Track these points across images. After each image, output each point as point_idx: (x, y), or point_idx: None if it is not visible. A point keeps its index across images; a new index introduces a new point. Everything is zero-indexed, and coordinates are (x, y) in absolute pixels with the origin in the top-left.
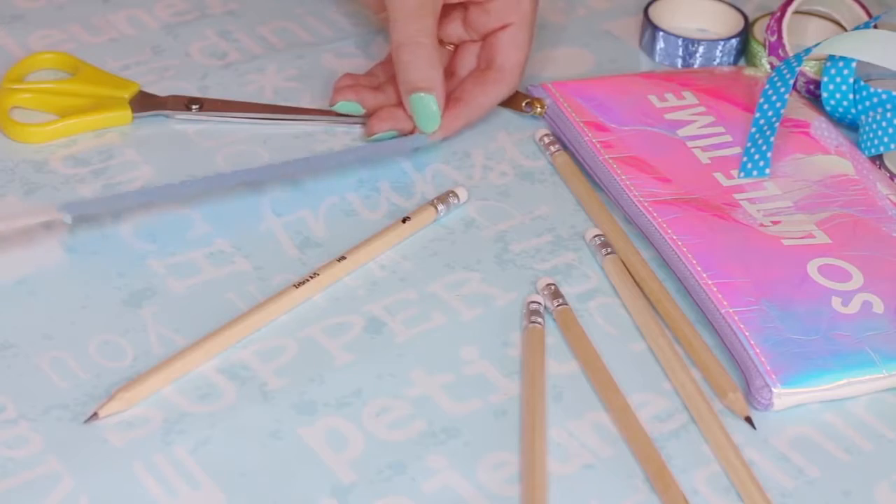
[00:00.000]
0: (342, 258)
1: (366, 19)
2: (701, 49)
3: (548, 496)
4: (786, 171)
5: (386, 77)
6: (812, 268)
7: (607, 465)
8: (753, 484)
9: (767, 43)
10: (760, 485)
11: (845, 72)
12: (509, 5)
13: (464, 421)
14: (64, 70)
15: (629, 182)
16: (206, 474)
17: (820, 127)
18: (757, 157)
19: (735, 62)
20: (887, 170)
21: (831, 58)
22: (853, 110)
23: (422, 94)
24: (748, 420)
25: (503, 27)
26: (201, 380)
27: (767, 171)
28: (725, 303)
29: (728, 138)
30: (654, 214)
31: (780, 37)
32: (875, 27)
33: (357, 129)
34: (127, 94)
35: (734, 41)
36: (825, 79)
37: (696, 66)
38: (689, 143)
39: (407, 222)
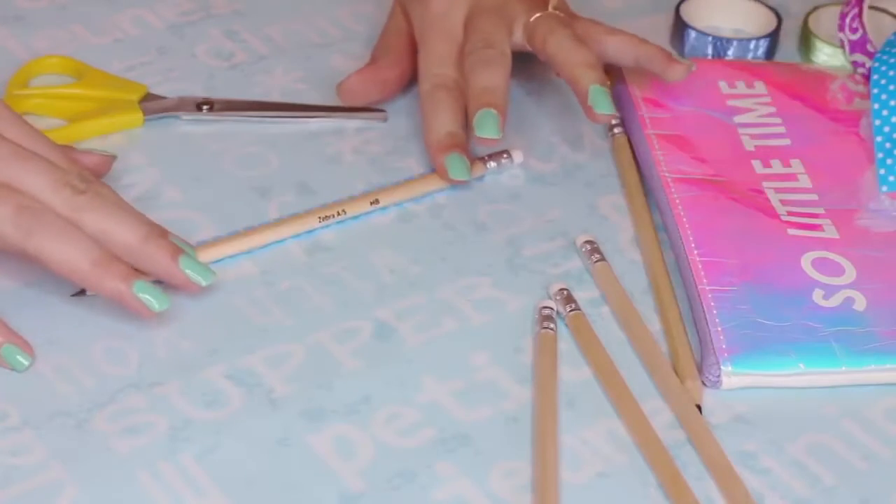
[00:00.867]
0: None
1: (374, 20)
2: (731, 48)
3: None
4: (827, 170)
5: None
6: (806, 259)
7: (621, 473)
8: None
9: (847, 41)
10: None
11: None
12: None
13: (475, 428)
14: (68, 74)
15: (662, 156)
16: (212, 482)
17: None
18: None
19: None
20: None
21: None
22: None
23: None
24: (697, 407)
25: None
26: (207, 386)
27: None
28: (705, 280)
29: (781, 130)
30: (672, 190)
31: (865, 33)
32: None
33: (355, 126)
34: (135, 97)
35: (764, 41)
36: None
37: None
38: (741, 130)
39: None
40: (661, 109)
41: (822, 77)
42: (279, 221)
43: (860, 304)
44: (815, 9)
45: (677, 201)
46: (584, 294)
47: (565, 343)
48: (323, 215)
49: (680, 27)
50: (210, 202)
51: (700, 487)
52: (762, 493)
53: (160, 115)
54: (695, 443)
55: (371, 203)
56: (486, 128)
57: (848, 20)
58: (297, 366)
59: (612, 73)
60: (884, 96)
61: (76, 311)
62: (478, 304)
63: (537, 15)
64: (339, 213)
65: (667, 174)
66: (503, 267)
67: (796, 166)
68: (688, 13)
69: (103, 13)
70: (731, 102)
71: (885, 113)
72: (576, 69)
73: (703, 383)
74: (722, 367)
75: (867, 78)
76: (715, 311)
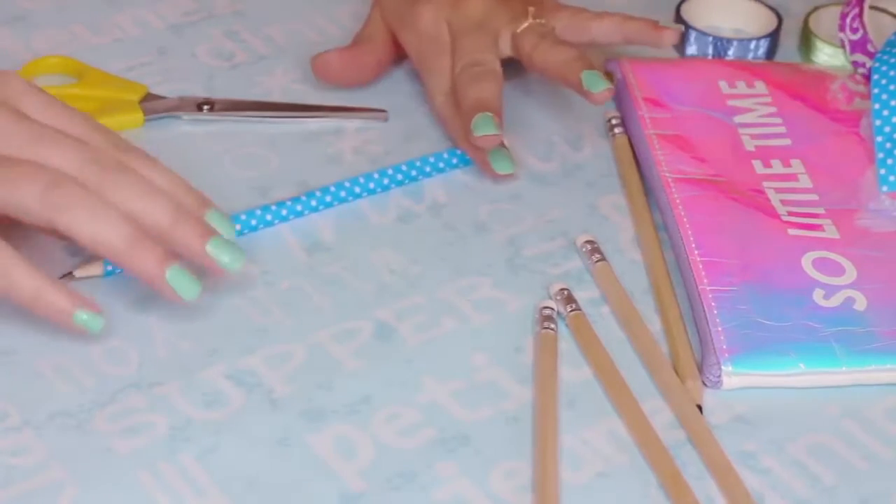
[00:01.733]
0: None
1: None
2: (731, 48)
3: None
4: (828, 170)
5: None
6: (806, 259)
7: (621, 472)
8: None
9: (848, 41)
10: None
11: None
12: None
13: (475, 428)
14: (68, 74)
15: (662, 156)
16: (212, 482)
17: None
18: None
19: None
20: None
21: None
22: None
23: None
24: (698, 408)
25: None
26: (207, 386)
27: None
28: (706, 280)
29: (782, 130)
30: (673, 189)
31: (865, 32)
32: None
33: (355, 126)
34: (135, 97)
35: (764, 41)
36: None
37: None
38: (741, 130)
39: None
40: (662, 109)
41: (823, 77)
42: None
43: (861, 304)
44: (816, 9)
45: (677, 201)
46: (585, 294)
47: (566, 343)
48: None
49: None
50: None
51: (700, 487)
52: (762, 493)
53: (160, 115)
54: (695, 443)
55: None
56: (484, 126)
57: (848, 20)
58: (297, 366)
59: (610, 76)
60: (884, 96)
61: None
62: (478, 304)
63: (521, 28)
64: None
65: (667, 174)
66: (503, 267)
67: (797, 166)
68: (688, 13)
69: (103, 13)
70: (731, 102)
71: (885, 113)
72: (563, 68)
73: (704, 383)
74: (722, 367)
75: (868, 78)
76: (715, 311)
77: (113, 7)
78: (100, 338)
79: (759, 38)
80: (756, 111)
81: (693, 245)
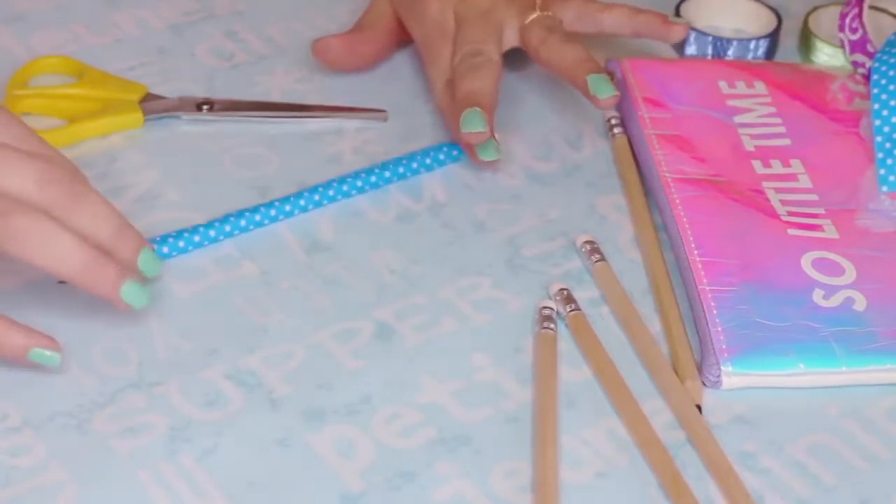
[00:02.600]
0: None
1: None
2: (731, 48)
3: None
4: (827, 170)
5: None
6: (806, 259)
7: (621, 473)
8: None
9: (847, 41)
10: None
11: None
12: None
13: (475, 428)
14: (68, 74)
15: (662, 156)
16: (212, 483)
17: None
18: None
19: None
20: None
21: None
22: None
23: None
24: (697, 408)
25: None
26: (207, 386)
27: None
28: (705, 280)
29: (782, 130)
30: (673, 190)
31: (865, 32)
32: None
33: (355, 126)
34: (135, 97)
35: (764, 41)
36: None
37: None
38: (741, 130)
39: None
40: (662, 109)
41: (823, 77)
42: None
43: (860, 304)
44: (815, 9)
45: (677, 201)
46: (585, 294)
47: (565, 343)
48: None
49: None
50: (210, 202)
51: (700, 487)
52: (762, 493)
53: (160, 115)
54: (695, 443)
55: None
56: (471, 123)
57: (848, 20)
58: (297, 366)
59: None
60: (884, 96)
61: (76, 311)
62: (478, 304)
63: (529, 19)
64: None
65: (667, 174)
66: (503, 267)
67: (796, 166)
68: (688, 13)
69: (103, 13)
70: (731, 102)
71: (885, 113)
72: (571, 68)
73: (703, 383)
74: (722, 367)
75: (867, 78)
76: (715, 311)
77: (113, 7)
78: (100, 338)
79: (758, 38)
80: (756, 111)
81: (693, 245)
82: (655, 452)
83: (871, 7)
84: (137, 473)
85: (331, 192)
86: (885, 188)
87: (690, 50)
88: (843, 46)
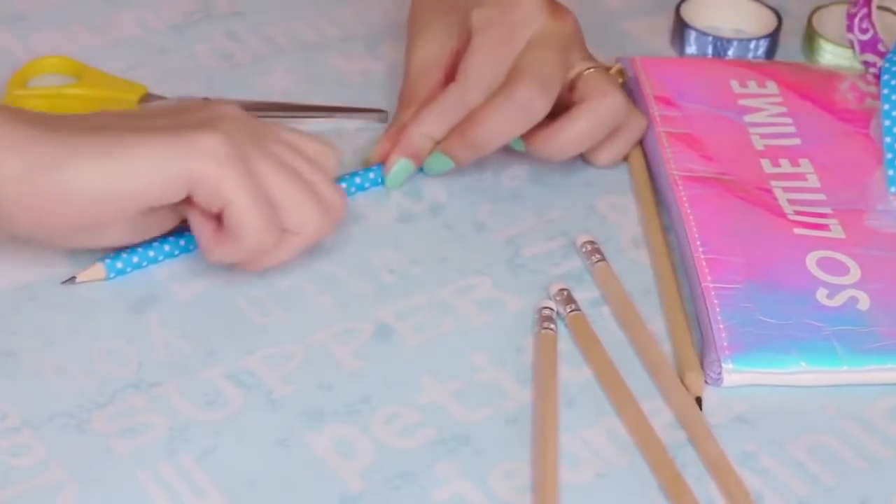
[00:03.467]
0: None
1: (374, 20)
2: (731, 48)
3: None
4: (836, 170)
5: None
6: (811, 258)
7: (620, 473)
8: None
9: (857, 42)
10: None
11: None
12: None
13: (474, 429)
14: (68, 74)
15: (671, 154)
16: (211, 483)
17: None
18: None
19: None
20: None
21: None
22: None
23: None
24: (698, 400)
25: None
26: (207, 386)
27: None
28: (709, 277)
29: (791, 129)
30: (680, 188)
31: (875, 32)
32: None
33: (355, 126)
34: (135, 97)
35: (764, 41)
36: None
37: None
38: (751, 129)
39: None
40: (673, 108)
41: (833, 77)
42: None
43: (864, 303)
44: (818, 9)
45: (684, 198)
46: (585, 294)
47: (565, 343)
48: None
49: (680, 27)
50: None
51: (700, 487)
52: (762, 493)
53: None
54: (695, 443)
55: None
56: (439, 168)
57: (857, 20)
58: (297, 366)
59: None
60: (894, 97)
61: (76, 311)
62: (478, 304)
63: (589, 70)
64: None
65: (675, 172)
66: (503, 267)
67: (805, 166)
68: (688, 13)
69: (103, 13)
70: (742, 101)
71: (894, 114)
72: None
73: (705, 381)
74: (723, 364)
75: (878, 78)
76: (717, 308)
77: (113, 7)
78: (100, 338)
79: (758, 38)
80: (766, 111)
81: (698, 242)
82: (655, 452)
83: (879, 7)
84: (137, 473)
85: None
86: (893, 189)
87: (690, 50)
88: (852, 47)
